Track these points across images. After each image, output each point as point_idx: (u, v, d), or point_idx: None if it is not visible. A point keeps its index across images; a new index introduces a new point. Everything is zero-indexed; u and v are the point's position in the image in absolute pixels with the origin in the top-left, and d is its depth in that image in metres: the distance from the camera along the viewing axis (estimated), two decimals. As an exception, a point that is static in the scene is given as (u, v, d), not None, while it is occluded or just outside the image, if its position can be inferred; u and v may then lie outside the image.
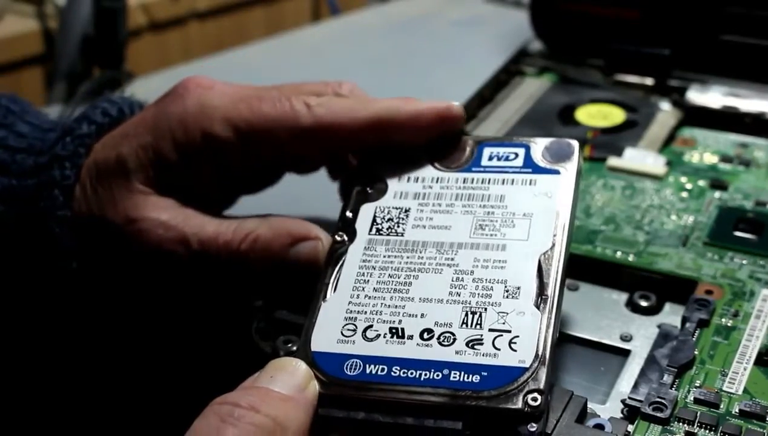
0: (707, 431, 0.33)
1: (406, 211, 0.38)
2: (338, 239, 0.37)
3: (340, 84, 0.41)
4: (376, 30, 0.88)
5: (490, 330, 0.33)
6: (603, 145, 0.53)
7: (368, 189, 0.39)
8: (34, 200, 0.39)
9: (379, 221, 0.37)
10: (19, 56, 1.17)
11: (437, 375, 0.32)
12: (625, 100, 0.58)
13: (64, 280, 0.40)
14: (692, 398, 0.35)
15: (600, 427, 0.33)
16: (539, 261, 0.35)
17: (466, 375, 0.32)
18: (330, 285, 0.36)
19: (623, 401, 0.36)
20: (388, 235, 0.37)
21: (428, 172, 0.39)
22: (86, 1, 0.88)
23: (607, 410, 0.36)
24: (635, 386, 0.36)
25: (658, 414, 0.34)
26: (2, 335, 0.42)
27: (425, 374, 0.32)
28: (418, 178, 0.39)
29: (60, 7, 1.01)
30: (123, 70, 0.86)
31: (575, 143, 0.38)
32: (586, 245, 0.44)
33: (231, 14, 1.47)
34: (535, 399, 0.31)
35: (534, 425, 0.31)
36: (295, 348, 0.36)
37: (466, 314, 0.34)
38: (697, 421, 0.34)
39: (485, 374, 0.32)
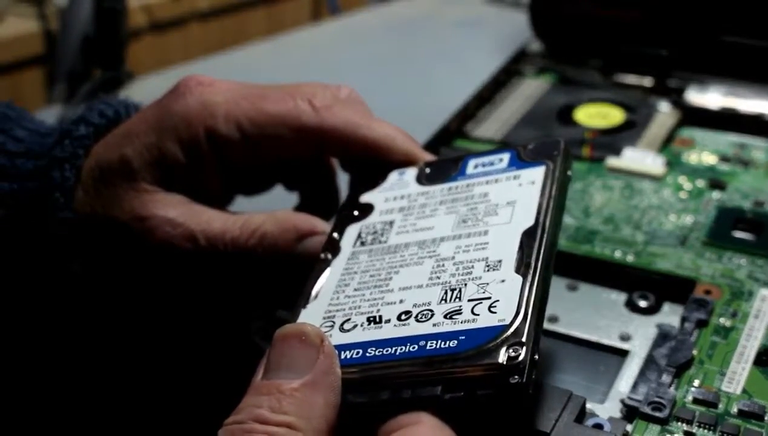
0: (706, 431, 0.34)
1: (390, 223, 0.37)
2: (322, 257, 0.36)
3: (339, 87, 0.41)
4: (376, 30, 0.88)
5: (470, 300, 0.31)
6: (602, 146, 0.53)
7: (355, 212, 0.38)
8: (35, 203, 0.39)
9: (363, 235, 0.37)
10: (20, 57, 1.17)
11: (413, 347, 0.31)
12: (624, 100, 0.58)
13: (67, 282, 0.40)
14: (691, 398, 0.35)
15: (599, 427, 0.33)
16: (522, 237, 0.33)
17: (443, 342, 0.30)
18: (312, 295, 0.35)
19: (622, 401, 0.36)
20: (372, 244, 0.36)
21: (414, 188, 0.38)
22: (87, 1, 0.88)
23: (606, 409, 0.36)
24: (634, 386, 0.36)
25: (657, 414, 0.34)
26: (6, 339, 0.43)
27: (401, 349, 0.31)
28: (403, 196, 0.38)
29: (60, 7, 1.01)
30: (123, 70, 0.86)
31: (561, 140, 0.37)
32: (585, 245, 0.44)
33: (232, 14, 1.47)
34: (515, 350, 0.29)
35: (516, 377, 0.29)
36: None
37: (446, 292, 0.32)
38: (695, 421, 0.34)
39: (463, 338, 0.30)
